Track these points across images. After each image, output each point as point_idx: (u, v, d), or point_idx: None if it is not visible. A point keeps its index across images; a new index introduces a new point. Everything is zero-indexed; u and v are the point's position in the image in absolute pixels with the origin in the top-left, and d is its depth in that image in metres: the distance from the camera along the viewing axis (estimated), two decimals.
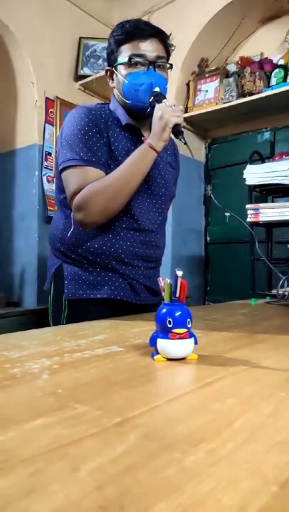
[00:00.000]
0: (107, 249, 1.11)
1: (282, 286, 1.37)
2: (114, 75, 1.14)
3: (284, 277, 1.33)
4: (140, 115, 1.13)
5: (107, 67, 1.16)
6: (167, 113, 1.04)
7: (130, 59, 1.08)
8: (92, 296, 1.11)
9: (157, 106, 1.06)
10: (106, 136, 1.10)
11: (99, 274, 1.13)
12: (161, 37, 1.12)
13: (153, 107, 1.08)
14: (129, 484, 0.24)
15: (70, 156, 1.07)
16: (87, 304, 1.11)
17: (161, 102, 1.06)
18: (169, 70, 1.16)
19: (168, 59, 1.14)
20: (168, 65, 1.14)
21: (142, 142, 1.12)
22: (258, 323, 0.96)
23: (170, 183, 1.25)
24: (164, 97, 1.09)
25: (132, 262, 1.14)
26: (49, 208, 2.53)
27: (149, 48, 1.09)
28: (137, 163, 1.06)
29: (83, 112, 1.10)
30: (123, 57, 1.10)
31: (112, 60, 1.14)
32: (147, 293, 1.19)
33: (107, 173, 1.08)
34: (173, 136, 1.09)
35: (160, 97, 1.08)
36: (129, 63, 1.09)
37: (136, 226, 1.14)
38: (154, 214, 1.19)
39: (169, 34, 1.14)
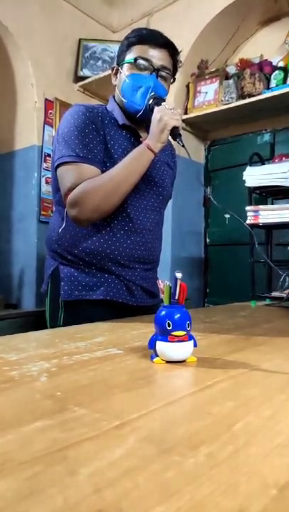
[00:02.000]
0: (103, 251, 1.11)
1: (281, 289, 1.37)
2: (119, 73, 1.16)
3: (284, 273, 1.32)
4: (133, 117, 1.14)
5: (114, 65, 1.18)
6: (166, 115, 1.05)
7: (136, 60, 1.10)
8: (88, 298, 1.11)
9: (156, 108, 1.07)
10: (102, 134, 1.11)
11: (95, 276, 1.12)
12: (172, 50, 1.14)
13: (151, 110, 1.08)
14: (128, 487, 0.24)
15: (66, 153, 1.07)
16: (83, 305, 1.11)
17: (160, 105, 1.07)
18: (171, 84, 1.18)
19: (174, 74, 1.16)
20: (171, 79, 1.16)
21: (139, 142, 1.12)
22: (258, 326, 0.96)
23: (167, 183, 1.25)
24: (163, 101, 1.10)
25: (128, 264, 1.14)
26: (42, 212, 2.52)
27: (157, 56, 1.11)
28: (133, 163, 1.06)
29: (80, 110, 1.11)
30: (130, 57, 1.12)
31: (120, 59, 1.16)
32: (144, 294, 1.18)
33: (103, 171, 1.08)
34: (171, 139, 1.10)
35: (159, 100, 1.09)
36: (134, 64, 1.10)
37: (132, 226, 1.14)
38: (151, 214, 1.19)
39: (180, 50, 1.16)
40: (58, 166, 1.09)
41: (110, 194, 1.05)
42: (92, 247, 1.11)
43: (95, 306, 1.11)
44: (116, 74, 1.18)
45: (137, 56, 1.10)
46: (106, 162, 1.10)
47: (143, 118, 1.11)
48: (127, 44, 1.13)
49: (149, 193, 1.18)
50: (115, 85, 1.19)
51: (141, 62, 1.10)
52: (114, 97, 1.20)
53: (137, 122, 1.17)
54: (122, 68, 1.14)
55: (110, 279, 1.13)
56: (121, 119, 1.16)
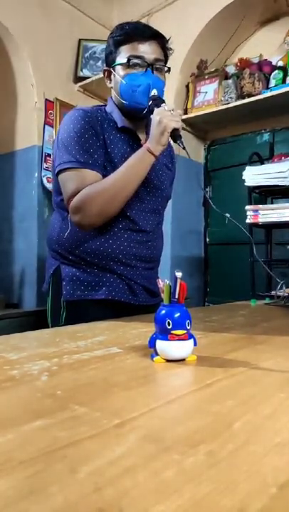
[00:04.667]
0: (105, 250, 1.11)
1: (281, 288, 1.37)
2: (112, 76, 1.15)
3: (282, 281, 1.33)
4: (136, 116, 1.13)
5: (105, 68, 1.17)
6: (166, 117, 1.04)
7: (129, 60, 1.09)
8: (90, 297, 1.11)
9: (156, 110, 1.06)
10: (102, 138, 1.11)
11: (97, 275, 1.13)
12: (161, 40, 1.12)
13: (151, 111, 1.08)
14: (127, 486, 0.24)
15: (66, 159, 1.07)
16: (85, 304, 1.11)
17: (159, 107, 1.07)
18: (166, 73, 1.16)
19: (166, 62, 1.15)
20: (166, 68, 1.15)
21: (138, 145, 1.12)
22: (258, 325, 0.96)
23: (167, 184, 1.25)
24: (163, 101, 1.09)
25: (129, 263, 1.14)
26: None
27: (147, 50, 1.09)
28: (134, 166, 1.06)
29: (79, 115, 1.10)
30: (121, 58, 1.10)
31: (110, 61, 1.14)
32: (145, 294, 1.19)
33: (103, 176, 1.08)
34: (171, 141, 1.09)
35: (159, 101, 1.08)
36: (128, 64, 1.09)
37: (133, 227, 1.14)
38: (151, 215, 1.19)
39: (168, 38, 1.14)
40: (59, 172, 1.09)
41: (112, 199, 1.05)
42: (93, 246, 1.11)
43: (97, 306, 1.11)
44: (109, 76, 1.16)
45: (129, 56, 1.08)
46: (106, 166, 1.10)
47: (147, 115, 1.10)
48: (114, 44, 1.11)
49: (148, 196, 1.18)
50: (111, 87, 1.18)
51: (134, 61, 1.09)
52: (112, 98, 1.20)
53: (137, 123, 1.16)
54: (114, 70, 1.13)
55: (112, 278, 1.13)
56: (120, 121, 1.15)
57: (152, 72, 1.10)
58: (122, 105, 1.14)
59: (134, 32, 1.09)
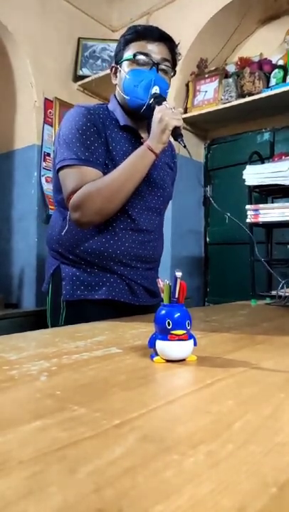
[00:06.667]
0: (105, 250, 1.11)
1: (282, 288, 1.37)
2: (118, 72, 1.16)
3: (283, 281, 1.33)
4: (136, 113, 1.13)
5: (113, 64, 1.18)
6: (167, 115, 1.04)
7: (135, 55, 1.10)
8: (90, 297, 1.11)
9: (157, 108, 1.06)
10: (104, 136, 1.11)
11: (97, 275, 1.12)
12: (170, 44, 1.13)
13: (152, 109, 1.08)
14: (127, 486, 0.24)
15: (67, 156, 1.07)
16: (85, 304, 1.11)
17: (161, 104, 1.07)
18: (172, 77, 1.17)
19: (174, 67, 1.16)
20: (172, 72, 1.15)
21: (140, 143, 1.12)
22: (258, 325, 0.96)
23: (168, 184, 1.25)
24: (164, 99, 1.09)
25: (130, 263, 1.14)
26: (50, 207, 2.52)
27: (155, 50, 1.10)
28: (135, 164, 1.06)
29: (81, 112, 1.10)
30: (128, 53, 1.12)
31: (118, 58, 1.15)
32: (145, 294, 1.18)
33: (104, 173, 1.08)
34: (172, 139, 1.09)
35: (160, 99, 1.08)
36: (134, 59, 1.10)
37: (134, 227, 1.14)
38: (152, 215, 1.19)
39: (177, 43, 1.15)
40: (60, 168, 1.09)
41: (112, 197, 1.05)
42: (93, 246, 1.11)
43: (97, 306, 1.11)
44: (115, 73, 1.18)
45: (136, 52, 1.10)
46: (108, 164, 1.10)
47: (147, 113, 1.11)
48: (124, 42, 1.13)
49: (150, 195, 1.18)
50: (116, 84, 1.18)
51: (140, 57, 1.10)
52: (115, 96, 1.20)
53: (139, 120, 1.16)
54: (121, 66, 1.14)
55: (112, 278, 1.13)
56: (122, 119, 1.15)
57: (157, 71, 1.10)
58: (124, 101, 1.15)
59: (145, 32, 1.11)
